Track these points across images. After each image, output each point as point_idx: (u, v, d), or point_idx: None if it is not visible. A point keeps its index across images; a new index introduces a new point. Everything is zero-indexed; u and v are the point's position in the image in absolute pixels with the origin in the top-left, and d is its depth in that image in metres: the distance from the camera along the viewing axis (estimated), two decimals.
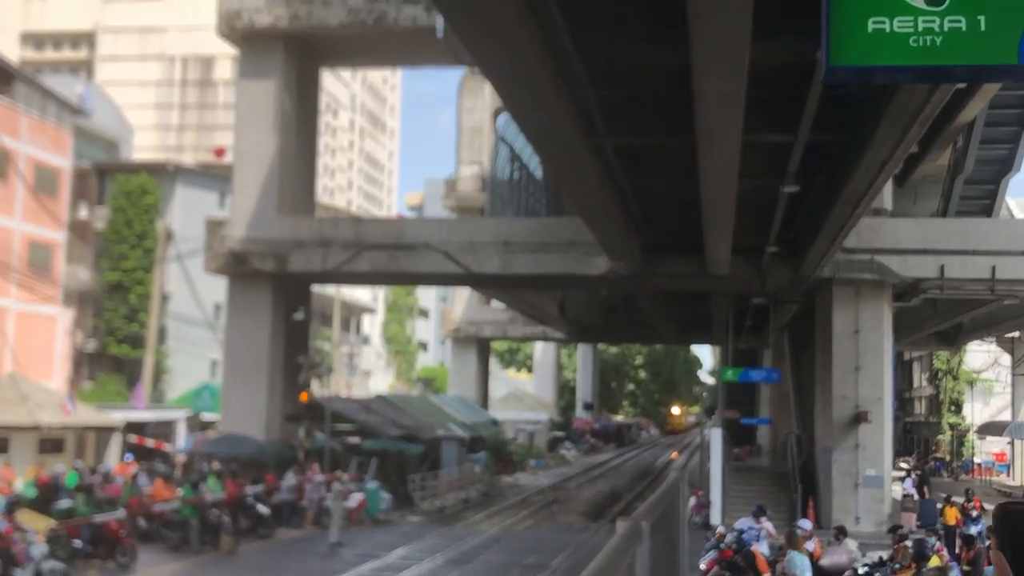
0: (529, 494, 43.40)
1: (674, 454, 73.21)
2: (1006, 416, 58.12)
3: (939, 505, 29.70)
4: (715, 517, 30.63)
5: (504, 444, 55.95)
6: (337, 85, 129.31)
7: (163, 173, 56.31)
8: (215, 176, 58.52)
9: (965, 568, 18.11)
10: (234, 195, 36.32)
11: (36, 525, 21.53)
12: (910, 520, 31.34)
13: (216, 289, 45.18)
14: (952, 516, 27.40)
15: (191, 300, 48.79)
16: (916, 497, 34.93)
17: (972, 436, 60.93)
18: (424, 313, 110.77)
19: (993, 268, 31.28)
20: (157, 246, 52.12)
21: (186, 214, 54.10)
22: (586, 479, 52.84)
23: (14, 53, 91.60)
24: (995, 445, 57.74)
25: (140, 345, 51.58)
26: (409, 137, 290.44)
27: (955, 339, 54.15)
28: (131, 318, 53.12)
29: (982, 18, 5.68)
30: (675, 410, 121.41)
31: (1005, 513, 1.20)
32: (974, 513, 26.06)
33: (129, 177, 54.71)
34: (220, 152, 71.92)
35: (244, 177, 35.83)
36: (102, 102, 63.42)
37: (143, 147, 79.09)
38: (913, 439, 69.93)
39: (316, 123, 40.07)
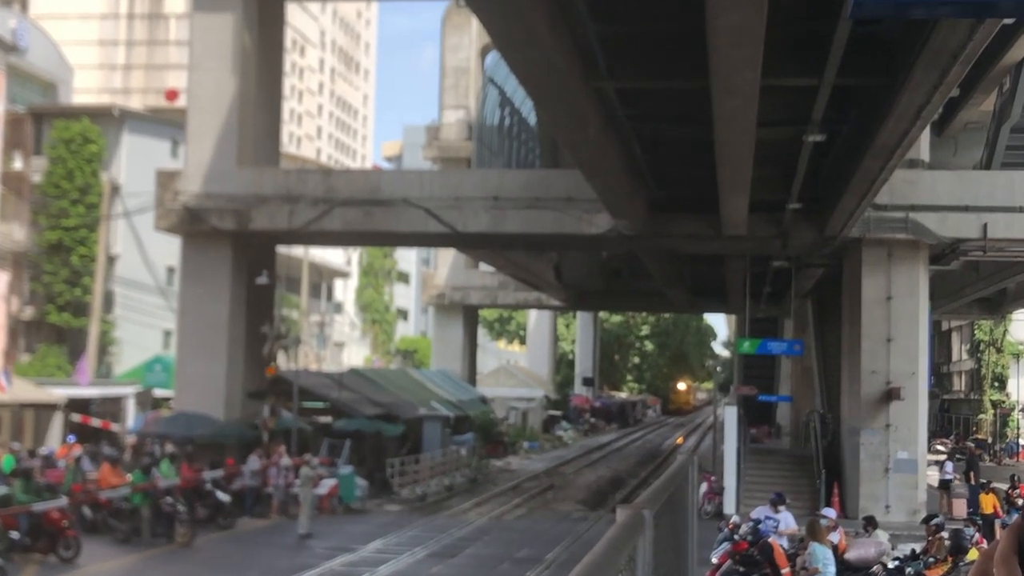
0: (522, 480, 43.65)
1: (679, 439, 72.81)
2: None
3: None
4: (729, 505, 30.89)
5: (494, 424, 56.19)
6: (304, 20, 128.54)
7: (108, 119, 56.00)
8: (166, 122, 58.25)
9: None
10: (188, 144, 36.16)
11: None
12: (961, 508, 31.64)
13: (169, 250, 45.11)
14: (990, 504, 27.65)
15: (140, 263, 48.72)
16: (960, 482, 35.26)
17: (1017, 415, 61.36)
18: (403, 277, 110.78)
19: None
20: (102, 201, 51.96)
21: (134, 165, 53.87)
22: (585, 463, 53.14)
23: None
24: None
25: (84, 313, 51.53)
26: (386, 79, 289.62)
27: (999, 307, 54.40)
28: (73, 282, 53.04)
29: None
30: (680, 386, 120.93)
31: None
32: (1020, 501, 26.25)
33: (69, 123, 54.43)
34: (172, 95, 71.51)
35: (199, 124, 35.66)
36: (38, 38, 62.92)
37: (85, 89, 78.59)
38: (951, 419, 70.40)
39: (281, 63, 39.88)
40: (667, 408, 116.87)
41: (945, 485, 35.09)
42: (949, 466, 36.21)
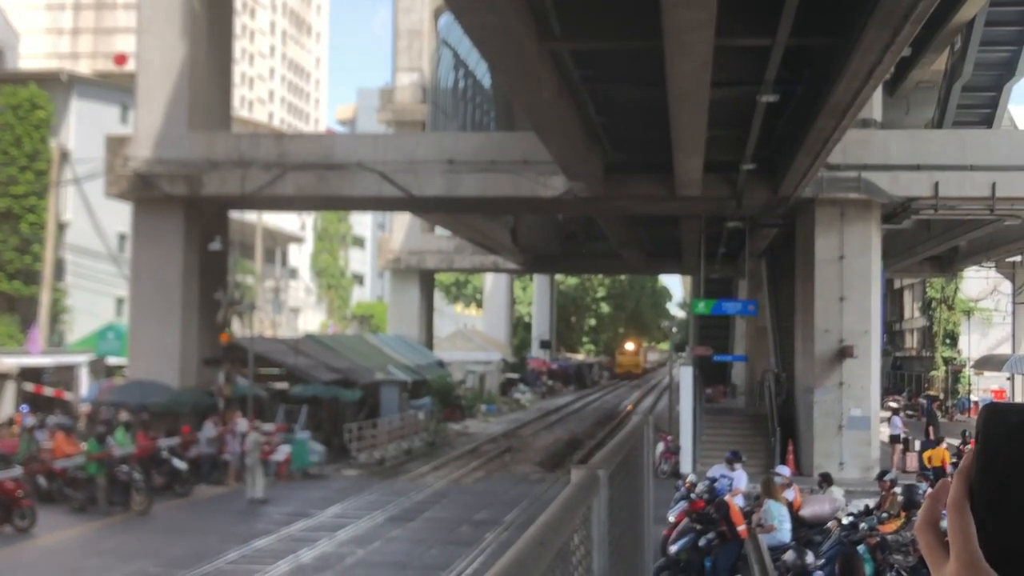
0: (480, 443, 43.80)
1: (629, 406, 67.13)
2: (1006, 349, 59.32)
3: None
4: (685, 464, 31.16)
5: (451, 388, 56.28)
6: None
7: (56, 84, 55.25)
8: (116, 87, 57.55)
9: None
10: (138, 109, 35.75)
11: None
12: (913, 462, 32.20)
13: (120, 217, 44.67)
14: (939, 458, 28.11)
15: (91, 230, 48.21)
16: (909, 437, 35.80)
17: (969, 371, 62.19)
18: (359, 242, 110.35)
19: (993, 185, 31.67)
20: (51, 168, 51.31)
21: (83, 131, 53.23)
22: (543, 425, 53.37)
23: None
24: (994, 381, 59.01)
25: (35, 281, 50.99)
26: (339, 41, 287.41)
27: (950, 264, 54.96)
28: (23, 250, 52.43)
29: None
30: (628, 346, 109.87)
31: (990, 415, 1.23)
32: None
33: (16, 89, 53.64)
34: (121, 59, 70.67)
35: (149, 88, 35.25)
36: None
37: (32, 54, 77.52)
38: (904, 376, 71.26)
39: (231, 25, 39.40)
40: (613, 372, 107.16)
41: (896, 440, 35.63)
42: (896, 421, 36.69)
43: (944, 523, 1.28)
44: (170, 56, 35.08)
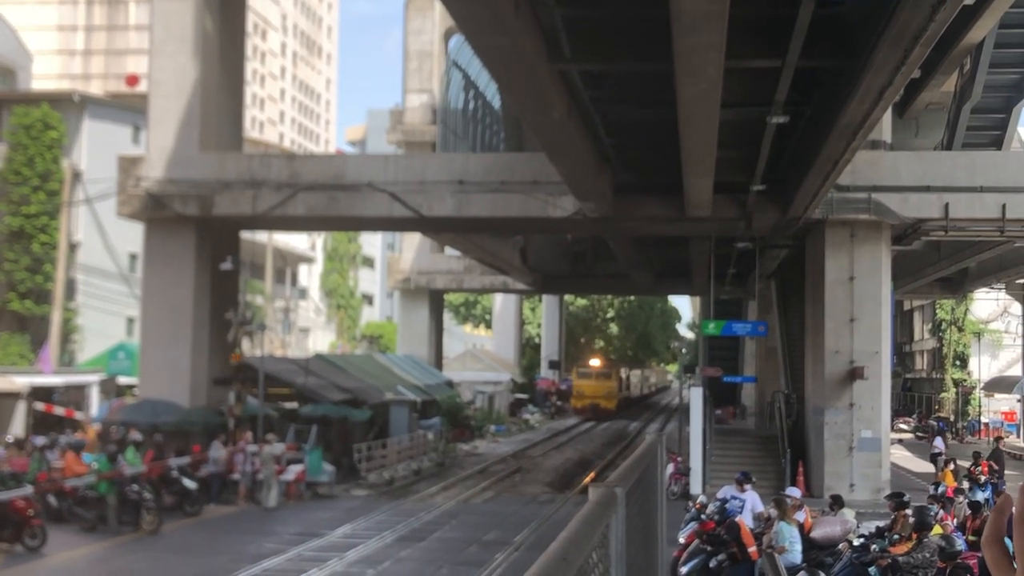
0: (489, 463, 43.74)
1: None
2: (1016, 371, 59.25)
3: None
4: (695, 486, 31.09)
5: (460, 408, 56.25)
6: (265, 3, 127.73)
7: (68, 104, 55.51)
8: (128, 108, 57.79)
9: (971, 538, 18.49)
10: (150, 129, 35.89)
11: None
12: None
13: (131, 237, 44.78)
14: (949, 480, 28.01)
15: (103, 249, 48.31)
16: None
17: (979, 393, 62.04)
18: (368, 262, 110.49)
19: (1003, 206, 31.67)
20: (63, 188, 51.48)
21: (95, 151, 53.43)
22: (552, 446, 53.30)
23: None
24: (1004, 403, 58.83)
25: (46, 301, 51.10)
26: (349, 63, 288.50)
27: (960, 286, 54.91)
28: (35, 270, 52.58)
29: None
30: (594, 362, 77.55)
31: None
32: (982, 478, 26.58)
33: (29, 109, 53.88)
34: (133, 80, 70.90)
35: (161, 109, 35.41)
36: None
37: (44, 75, 77.84)
38: (914, 397, 71.10)
39: (243, 47, 39.60)
40: (566, 400, 79.04)
41: (935, 459, 35.98)
42: (939, 441, 37.12)
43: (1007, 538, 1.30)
44: (182, 77, 35.24)
